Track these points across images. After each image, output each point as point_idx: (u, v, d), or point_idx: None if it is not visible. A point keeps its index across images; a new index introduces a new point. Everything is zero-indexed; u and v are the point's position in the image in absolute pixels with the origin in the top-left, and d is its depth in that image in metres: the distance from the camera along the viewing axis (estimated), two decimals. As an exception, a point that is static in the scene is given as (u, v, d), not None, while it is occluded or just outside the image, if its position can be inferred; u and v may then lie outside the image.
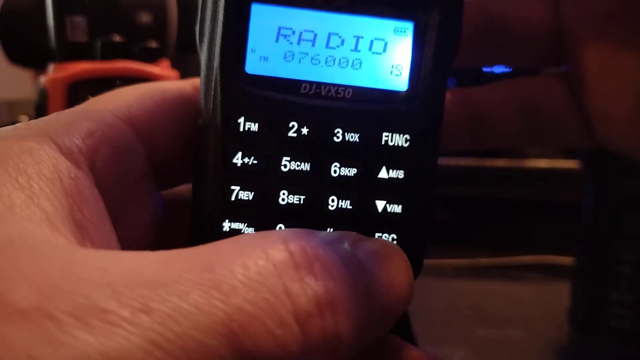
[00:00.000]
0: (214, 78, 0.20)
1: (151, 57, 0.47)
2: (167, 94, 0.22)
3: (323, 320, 0.15)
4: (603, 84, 0.23)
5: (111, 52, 0.46)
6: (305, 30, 0.21)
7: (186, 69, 0.48)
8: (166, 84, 0.23)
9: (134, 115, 0.21)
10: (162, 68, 0.47)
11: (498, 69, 0.43)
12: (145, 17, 0.48)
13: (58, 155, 0.17)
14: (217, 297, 0.13)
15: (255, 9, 0.20)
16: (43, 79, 0.46)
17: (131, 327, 0.12)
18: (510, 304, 0.46)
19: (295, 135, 0.20)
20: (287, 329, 0.14)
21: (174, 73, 0.47)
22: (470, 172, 0.59)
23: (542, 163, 0.60)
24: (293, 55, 0.21)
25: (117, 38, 0.46)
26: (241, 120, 0.20)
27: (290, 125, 0.20)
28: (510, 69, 0.36)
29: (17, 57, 0.52)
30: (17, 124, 0.18)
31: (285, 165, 0.20)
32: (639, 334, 0.41)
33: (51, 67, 0.46)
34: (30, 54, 0.51)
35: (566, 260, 0.49)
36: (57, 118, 0.19)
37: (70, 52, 0.46)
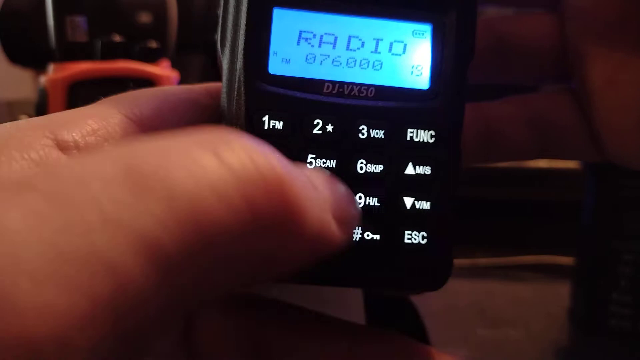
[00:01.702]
0: (237, 80, 0.20)
1: (151, 57, 0.47)
2: (181, 98, 0.22)
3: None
4: (609, 97, 0.24)
5: (111, 52, 0.46)
6: (326, 34, 0.21)
7: (186, 69, 0.48)
8: (180, 88, 0.23)
9: (145, 116, 0.20)
10: (162, 68, 0.47)
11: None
12: (145, 17, 0.48)
13: (51, 145, 0.17)
14: None
15: (277, 13, 0.21)
16: (43, 79, 0.46)
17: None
18: (510, 304, 0.46)
19: (320, 132, 0.20)
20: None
21: (174, 73, 0.47)
22: (470, 172, 0.59)
23: (542, 163, 0.60)
24: (314, 57, 0.21)
25: (117, 38, 0.46)
26: (265, 118, 0.20)
27: (315, 122, 0.20)
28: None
29: (17, 57, 0.52)
30: (20, 120, 0.19)
31: (310, 163, 0.20)
32: (639, 334, 0.41)
33: (51, 67, 0.46)
34: (30, 54, 0.51)
35: (566, 260, 0.49)
36: (60, 115, 0.19)
37: (70, 52, 0.46)
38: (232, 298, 0.23)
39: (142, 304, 0.12)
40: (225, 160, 0.14)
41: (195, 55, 0.61)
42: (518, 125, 0.26)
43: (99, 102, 0.21)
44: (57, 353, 0.11)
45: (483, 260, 0.51)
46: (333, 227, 0.17)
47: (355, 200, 0.19)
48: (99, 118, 0.19)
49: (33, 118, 0.19)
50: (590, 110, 0.24)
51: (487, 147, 0.26)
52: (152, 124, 0.20)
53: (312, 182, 0.16)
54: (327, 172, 0.18)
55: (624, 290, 0.41)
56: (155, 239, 0.12)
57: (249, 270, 0.15)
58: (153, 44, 0.47)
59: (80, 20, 0.46)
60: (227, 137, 0.15)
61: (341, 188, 0.18)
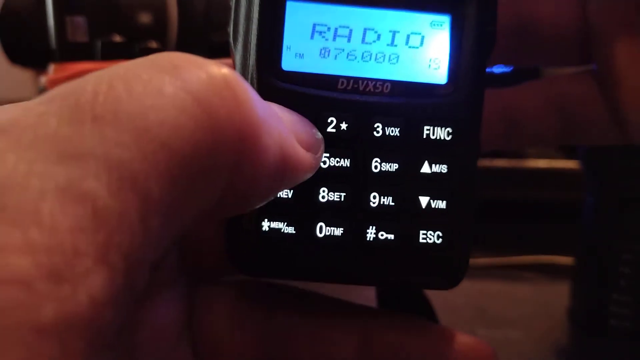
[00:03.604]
0: (249, 76, 0.20)
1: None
2: None
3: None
4: (633, 77, 0.23)
5: (111, 53, 0.46)
6: (340, 26, 0.20)
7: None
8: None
9: None
10: (162, 68, 0.47)
11: (498, 69, 0.43)
12: (145, 18, 0.48)
13: None
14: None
15: (290, 6, 0.20)
16: (43, 79, 0.46)
17: None
18: (510, 304, 0.46)
19: (334, 130, 0.20)
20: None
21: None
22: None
23: (542, 163, 0.60)
24: (329, 51, 0.20)
25: (118, 38, 0.46)
26: None
27: (329, 120, 0.20)
28: (510, 69, 0.36)
29: (18, 57, 0.52)
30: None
31: (324, 162, 0.20)
32: (639, 334, 0.41)
33: (51, 68, 0.46)
34: (31, 54, 0.51)
35: (566, 260, 0.49)
36: None
37: (71, 52, 0.46)
38: (242, 284, 0.23)
39: (125, 230, 0.12)
40: (183, 77, 0.14)
41: (195, 55, 0.60)
42: (539, 109, 0.25)
43: None
44: (49, 287, 0.11)
45: (483, 260, 0.51)
46: (298, 149, 0.17)
47: (314, 128, 0.19)
48: None
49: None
50: (613, 92, 0.24)
51: (509, 132, 0.25)
52: None
53: (270, 106, 0.16)
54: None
55: (624, 291, 0.41)
56: (121, 161, 0.12)
57: (217, 187, 0.15)
58: (153, 44, 0.47)
59: (81, 21, 0.46)
60: (183, 58, 0.15)
61: (299, 115, 0.18)
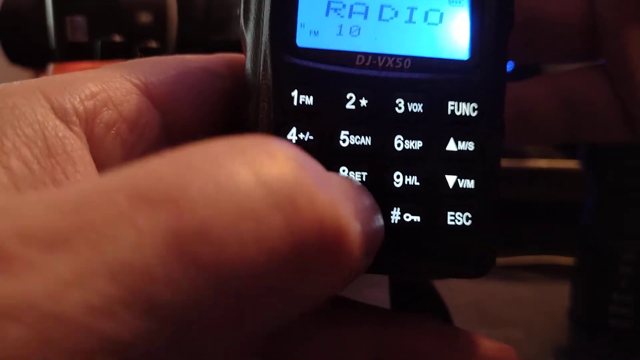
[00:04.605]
0: (262, 53, 0.19)
1: (151, 57, 0.47)
2: (192, 66, 0.20)
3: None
4: None
5: (111, 52, 0.46)
6: (356, 3, 0.20)
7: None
8: (195, 57, 0.21)
9: (150, 82, 0.19)
10: (162, 68, 0.47)
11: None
12: (145, 17, 0.48)
13: (47, 112, 0.16)
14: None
15: None
16: (43, 79, 0.46)
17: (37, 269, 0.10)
18: (510, 304, 0.46)
19: (353, 107, 0.19)
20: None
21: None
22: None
23: (542, 163, 0.60)
24: (345, 28, 0.20)
25: (117, 38, 0.46)
26: (295, 93, 0.19)
27: (348, 97, 0.19)
28: (510, 70, 0.36)
29: (17, 57, 0.52)
30: (13, 83, 0.17)
31: (344, 140, 0.19)
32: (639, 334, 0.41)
33: (51, 67, 0.46)
34: (30, 54, 0.51)
35: (566, 260, 0.49)
36: (57, 77, 0.18)
37: (71, 52, 0.46)
38: None
39: None
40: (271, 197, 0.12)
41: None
42: (549, 105, 0.25)
43: (102, 67, 0.19)
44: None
45: (483, 260, 0.51)
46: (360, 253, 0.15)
47: (380, 215, 0.17)
48: (99, 81, 0.18)
49: (26, 80, 0.17)
50: (624, 87, 0.24)
51: (518, 129, 0.25)
52: (158, 91, 0.19)
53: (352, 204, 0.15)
54: (357, 181, 0.17)
55: (625, 290, 0.41)
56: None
57: (294, 304, 0.14)
58: (153, 44, 0.47)
59: (80, 20, 0.46)
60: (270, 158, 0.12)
61: (368, 200, 0.16)
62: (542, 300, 0.47)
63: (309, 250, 0.12)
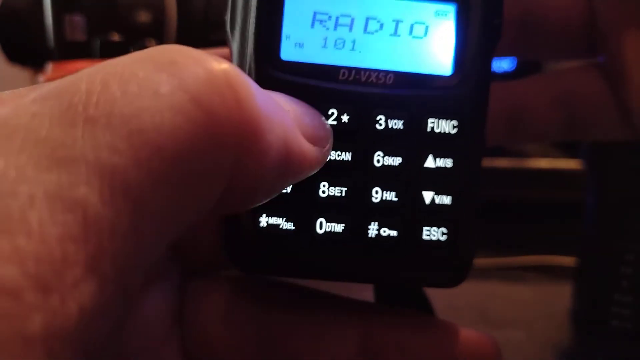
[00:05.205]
0: (247, 65, 0.19)
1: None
2: None
3: None
4: None
5: (110, 52, 0.46)
6: (342, 15, 0.20)
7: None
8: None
9: None
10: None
11: (502, 63, 0.43)
12: (144, 16, 0.48)
13: None
14: None
15: None
16: (42, 79, 0.46)
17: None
18: (511, 305, 0.46)
19: (335, 123, 0.19)
20: None
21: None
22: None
23: (543, 163, 0.60)
24: (330, 41, 0.20)
25: (116, 37, 0.46)
26: None
27: (330, 112, 0.19)
28: (512, 69, 0.36)
29: (16, 57, 0.52)
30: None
31: None
32: (641, 335, 0.41)
33: (50, 67, 0.46)
34: (29, 54, 0.51)
35: (568, 260, 0.49)
36: None
37: (69, 51, 0.46)
38: (237, 278, 0.22)
39: (117, 239, 0.12)
40: (180, 75, 0.13)
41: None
42: (545, 103, 0.25)
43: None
44: (38, 297, 0.11)
45: (484, 261, 0.51)
46: (303, 144, 0.16)
47: (323, 118, 0.18)
48: None
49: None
50: (621, 86, 0.23)
51: (514, 127, 0.25)
52: None
53: (274, 99, 0.16)
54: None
55: (626, 291, 0.41)
56: (113, 167, 0.12)
57: (217, 188, 0.14)
58: (152, 43, 0.47)
59: (79, 20, 0.46)
60: (179, 52, 0.14)
61: (306, 105, 0.18)
62: (543, 301, 0.47)
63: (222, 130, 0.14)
